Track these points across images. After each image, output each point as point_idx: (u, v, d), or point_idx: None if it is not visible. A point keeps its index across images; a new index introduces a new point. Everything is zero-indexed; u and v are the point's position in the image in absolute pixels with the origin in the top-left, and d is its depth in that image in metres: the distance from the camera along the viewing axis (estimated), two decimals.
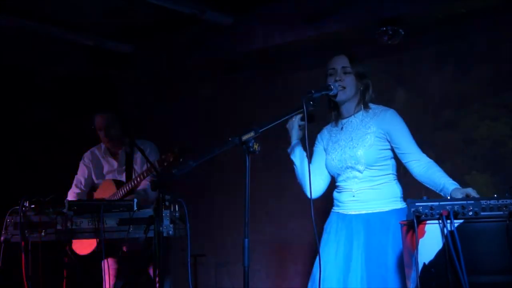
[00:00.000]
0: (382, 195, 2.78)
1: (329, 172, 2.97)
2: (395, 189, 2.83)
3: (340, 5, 4.39)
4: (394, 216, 2.73)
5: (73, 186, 4.09)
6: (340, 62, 2.86)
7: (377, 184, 2.79)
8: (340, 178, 2.89)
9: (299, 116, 2.85)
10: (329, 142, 2.95)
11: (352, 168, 2.80)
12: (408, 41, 4.41)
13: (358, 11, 4.34)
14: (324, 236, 2.90)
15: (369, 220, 2.76)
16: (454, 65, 4.49)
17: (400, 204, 2.81)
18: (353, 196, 2.81)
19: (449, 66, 4.52)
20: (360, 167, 2.78)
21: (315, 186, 2.96)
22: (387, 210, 2.76)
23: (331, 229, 2.88)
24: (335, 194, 2.95)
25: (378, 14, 4.24)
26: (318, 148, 3.02)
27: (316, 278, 2.75)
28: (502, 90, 4.27)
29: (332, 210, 2.95)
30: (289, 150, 2.96)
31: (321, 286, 2.71)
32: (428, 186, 2.70)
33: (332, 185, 3.01)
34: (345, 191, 2.85)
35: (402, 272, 2.59)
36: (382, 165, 2.80)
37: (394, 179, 2.85)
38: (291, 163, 2.97)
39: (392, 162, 2.84)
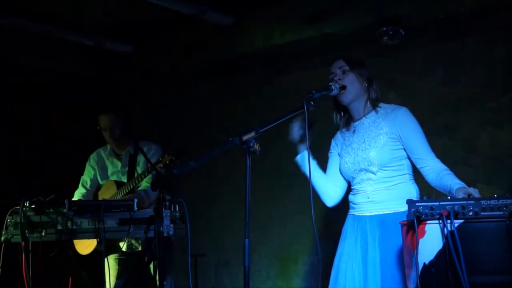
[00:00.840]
0: (398, 196, 2.74)
1: (344, 177, 2.95)
2: (411, 189, 2.79)
3: (340, 5, 4.40)
4: None
5: (80, 186, 4.12)
6: (337, 65, 2.87)
7: (393, 185, 2.76)
8: (355, 181, 2.87)
9: (298, 125, 2.82)
10: (343, 146, 2.93)
11: (366, 170, 2.78)
12: (405, 42, 4.39)
13: (358, 11, 4.33)
14: (342, 239, 2.88)
15: (384, 220, 2.73)
16: (446, 67, 4.42)
17: None
18: (368, 197, 2.79)
19: (440, 68, 4.45)
20: (374, 169, 2.75)
21: (332, 193, 2.96)
22: (402, 210, 2.67)
23: (348, 231, 2.87)
24: (350, 196, 2.93)
25: (378, 14, 4.23)
26: (333, 154, 3.00)
27: (334, 280, 2.77)
28: (500, 94, 4.18)
29: (348, 213, 2.93)
30: (298, 162, 2.94)
31: (344, 287, 2.71)
32: (440, 190, 2.66)
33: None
34: (360, 193, 2.83)
35: None
36: (396, 166, 2.76)
37: (411, 179, 2.81)
38: (303, 174, 2.92)
39: (407, 162, 2.79)
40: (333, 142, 3.03)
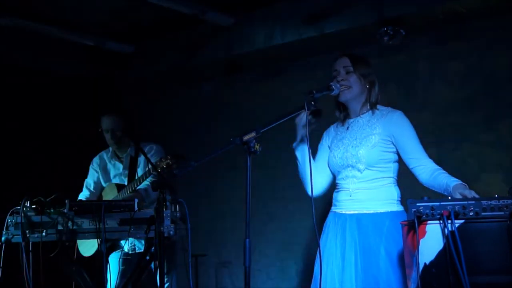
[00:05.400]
0: (379, 196, 2.77)
1: (330, 170, 2.96)
2: (393, 192, 2.81)
3: (340, 5, 4.40)
4: (389, 218, 2.71)
5: (84, 188, 4.13)
6: (342, 63, 2.87)
7: (376, 186, 2.77)
8: (339, 176, 2.88)
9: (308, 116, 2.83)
10: (334, 139, 2.95)
11: (353, 166, 2.80)
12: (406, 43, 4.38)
13: (358, 11, 4.34)
14: (323, 237, 2.89)
15: (362, 220, 2.75)
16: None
17: (396, 207, 2.78)
18: (350, 195, 2.81)
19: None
20: (361, 166, 2.77)
21: (318, 185, 2.97)
22: (381, 211, 2.74)
23: (329, 229, 2.88)
24: (334, 193, 2.95)
25: (379, 14, 4.23)
26: (323, 146, 3.02)
27: (317, 278, 2.76)
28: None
29: (330, 210, 2.95)
30: (294, 146, 2.94)
31: (324, 287, 2.71)
32: (435, 190, 2.66)
33: (334, 186, 3.00)
34: (343, 190, 2.85)
35: (395, 274, 2.60)
36: (383, 167, 2.78)
37: (393, 182, 2.83)
38: (295, 158, 2.95)
39: (394, 165, 2.82)
40: (324, 134, 3.05)
